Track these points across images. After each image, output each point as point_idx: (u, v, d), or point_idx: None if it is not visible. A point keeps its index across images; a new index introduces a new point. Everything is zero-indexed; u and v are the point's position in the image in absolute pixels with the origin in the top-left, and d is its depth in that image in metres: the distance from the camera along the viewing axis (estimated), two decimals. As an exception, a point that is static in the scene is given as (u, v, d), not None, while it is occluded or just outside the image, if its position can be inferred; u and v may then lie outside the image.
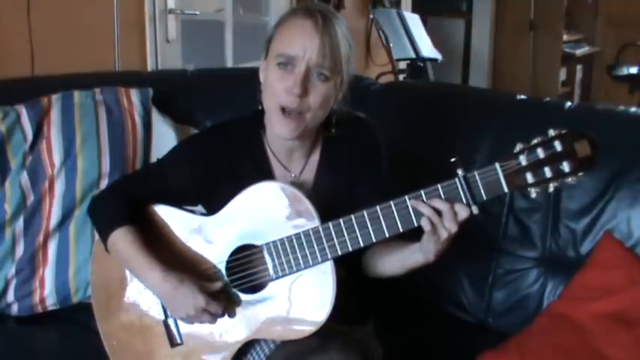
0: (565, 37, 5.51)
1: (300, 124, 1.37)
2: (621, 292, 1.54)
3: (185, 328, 1.47)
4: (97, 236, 1.53)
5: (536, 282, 1.73)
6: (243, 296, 1.43)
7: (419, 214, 1.27)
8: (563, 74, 5.66)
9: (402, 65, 4.31)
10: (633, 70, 5.40)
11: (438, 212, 1.25)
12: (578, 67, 5.85)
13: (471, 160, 1.77)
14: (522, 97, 1.93)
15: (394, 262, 1.42)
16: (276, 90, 1.37)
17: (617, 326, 1.50)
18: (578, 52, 5.64)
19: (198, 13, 3.10)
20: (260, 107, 1.45)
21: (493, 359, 1.55)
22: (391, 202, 1.29)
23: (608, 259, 1.60)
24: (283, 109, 1.37)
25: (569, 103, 1.83)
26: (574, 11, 5.67)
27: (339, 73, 1.38)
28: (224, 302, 1.41)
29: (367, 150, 1.49)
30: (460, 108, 1.93)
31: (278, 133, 1.39)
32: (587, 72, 5.99)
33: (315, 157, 1.49)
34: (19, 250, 1.78)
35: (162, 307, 1.48)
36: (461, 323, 1.81)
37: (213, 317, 1.41)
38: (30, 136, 1.83)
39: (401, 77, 4.23)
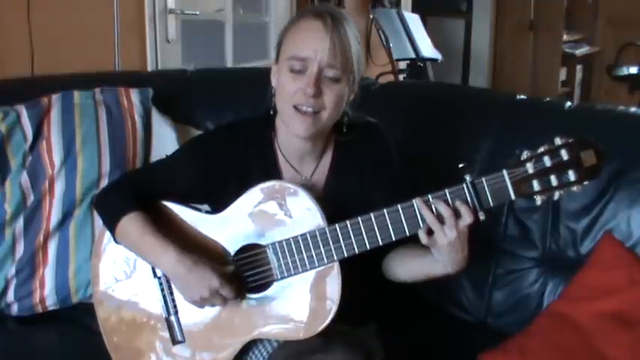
0: (565, 37, 5.51)
1: (316, 122, 1.38)
2: (621, 292, 1.54)
3: (187, 325, 1.47)
4: (98, 232, 1.52)
5: (536, 282, 1.73)
6: (246, 295, 1.42)
7: (425, 219, 1.28)
8: (563, 74, 5.65)
9: (402, 65, 4.31)
10: (633, 70, 5.40)
11: (441, 218, 1.26)
12: (578, 67, 5.85)
13: (472, 160, 1.77)
14: (522, 97, 1.93)
15: (416, 270, 1.42)
16: (290, 91, 1.37)
17: (617, 326, 1.50)
18: (578, 52, 5.64)
19: (198, 13, 3.11)
20: (271, 111, 1.45)
21: (493, 359, 1.55)
22: (399, 206, 1.29)
23: (608, 259, 1.60)
24: (297, 108, 1.37)
25: (569, 103, 1.83)
26: (574, 11, 5.66)
27: (351, 72, 1.39)
28: (236, 288, 1.39)
29: (379, 155, 1.49)
30: (460, 108, 1.93)
31: (294, 131, 1.39)
32: (587, 72, 5.98)
33: (327, 160, 1.49)
34: (19, 250, 1.78)
35: (165, 303, 1.48)
36: (461, 323, 1.81)
37: (225, 301, 1.40)
38: (30, 136, 1.83)
39: (401, 77, 4.23)
